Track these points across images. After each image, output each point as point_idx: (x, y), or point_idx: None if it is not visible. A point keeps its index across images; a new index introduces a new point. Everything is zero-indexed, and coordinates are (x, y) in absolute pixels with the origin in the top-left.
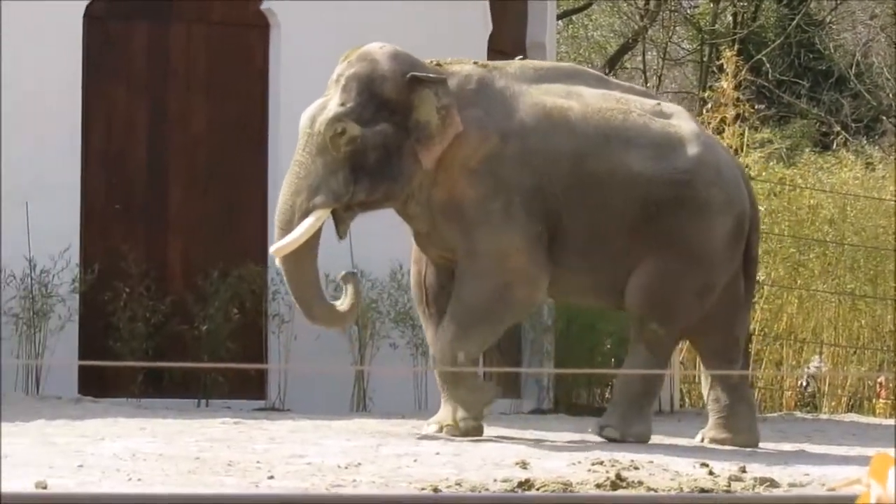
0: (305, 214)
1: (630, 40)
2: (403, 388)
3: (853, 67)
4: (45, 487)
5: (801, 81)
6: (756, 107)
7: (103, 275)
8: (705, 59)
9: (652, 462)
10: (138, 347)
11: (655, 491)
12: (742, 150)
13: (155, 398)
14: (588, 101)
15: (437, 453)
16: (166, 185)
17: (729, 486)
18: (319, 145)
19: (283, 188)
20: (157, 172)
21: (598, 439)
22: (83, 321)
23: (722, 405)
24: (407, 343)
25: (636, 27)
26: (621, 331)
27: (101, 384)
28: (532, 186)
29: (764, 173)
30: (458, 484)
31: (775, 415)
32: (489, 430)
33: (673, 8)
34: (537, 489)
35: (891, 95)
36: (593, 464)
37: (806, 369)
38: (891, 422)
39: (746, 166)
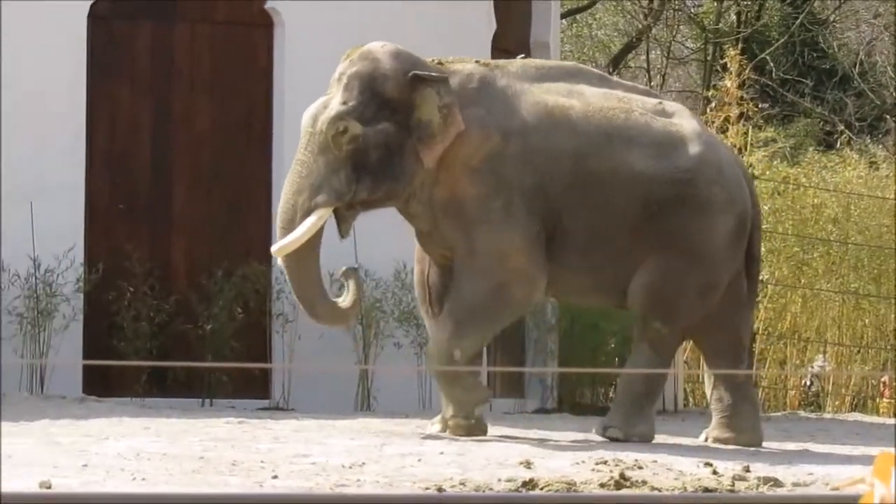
0: (307, 213)
1: (634, 39)
2: (407, 387)
3: (857, 66)
4: (49, 487)
5: (804, 80)
6: (760, 106)
7: (107, 274)
8: (709, 57)
9: (656, 461)
10: (142, 347)
11: (659, 490)
12: (746, 149)
13: (159, 398)
14: (590, 99)
15: (441, 453)
16: (170, 185)
17: (733, 485)
18: (321, 144)
19: (285, 187)
20: (161, 172)
21: (602, 439)
22: (87, 321)
23: (725, 405)
24: (411, 342)
25: (640, 26)
26: (625, 330)
27: (105, 384)
28: (533, 185)
29: (768, 172)
30: (462, 483)
31: (779, 414)
32: (493, 430)
33: (677, 7)
34: (541, 489)
35: (894, 94)
36: (597, 463)
37: (810, 368)
38: (894, 421)
39: (750, 165)
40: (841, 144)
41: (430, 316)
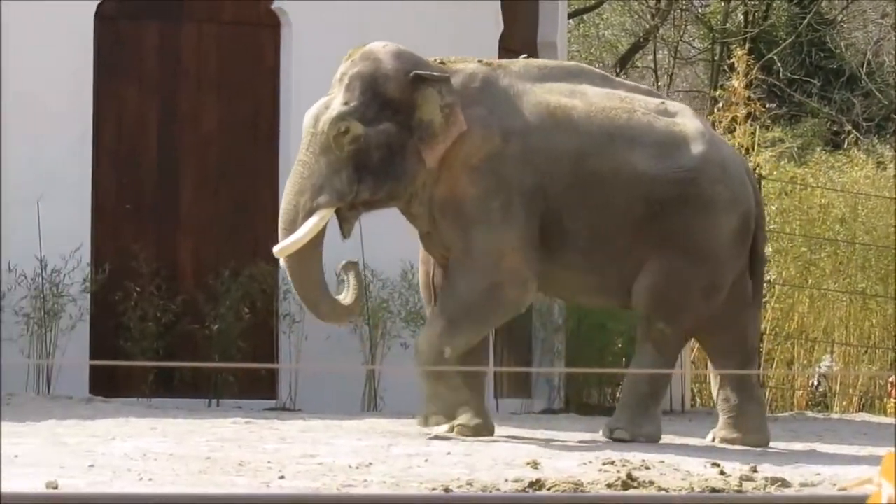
0: (309, 214)
1: (641, 39)
2: (414, 387)
3: (864, 66)
4: (55, 487)
5: (812, 80)
6: (767, 106)
7: (114, 274)
8: (716, 58)
9: (663, 462)
10: (149, 347)
11: (666, 491)
12: (753, 149)
13: (166, 398)
14: (592, 99)
15: (448, 453)
16: (177, 185)
17: (740, 485)
18: (323, 144)
19: (287, 188)
20: (168, 172)
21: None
22: (94, 321)
23: (732, 405)
24: None
25: (647, 26)
26: (632, 330)
27: (111, 384)
28: (533, 185)
29: (775, 172)
30: (469, 484)
31: (786, 414)
32: (500, 430)
33: (684, 7)
34: (548, 489)
35: None
36: (604, 463)
37: (817, 368)
38: None
39: (757, 165)
40: (848, 144)
41: None
